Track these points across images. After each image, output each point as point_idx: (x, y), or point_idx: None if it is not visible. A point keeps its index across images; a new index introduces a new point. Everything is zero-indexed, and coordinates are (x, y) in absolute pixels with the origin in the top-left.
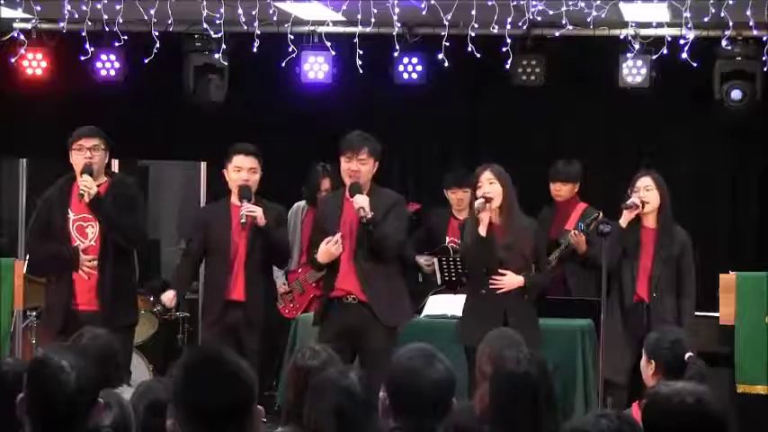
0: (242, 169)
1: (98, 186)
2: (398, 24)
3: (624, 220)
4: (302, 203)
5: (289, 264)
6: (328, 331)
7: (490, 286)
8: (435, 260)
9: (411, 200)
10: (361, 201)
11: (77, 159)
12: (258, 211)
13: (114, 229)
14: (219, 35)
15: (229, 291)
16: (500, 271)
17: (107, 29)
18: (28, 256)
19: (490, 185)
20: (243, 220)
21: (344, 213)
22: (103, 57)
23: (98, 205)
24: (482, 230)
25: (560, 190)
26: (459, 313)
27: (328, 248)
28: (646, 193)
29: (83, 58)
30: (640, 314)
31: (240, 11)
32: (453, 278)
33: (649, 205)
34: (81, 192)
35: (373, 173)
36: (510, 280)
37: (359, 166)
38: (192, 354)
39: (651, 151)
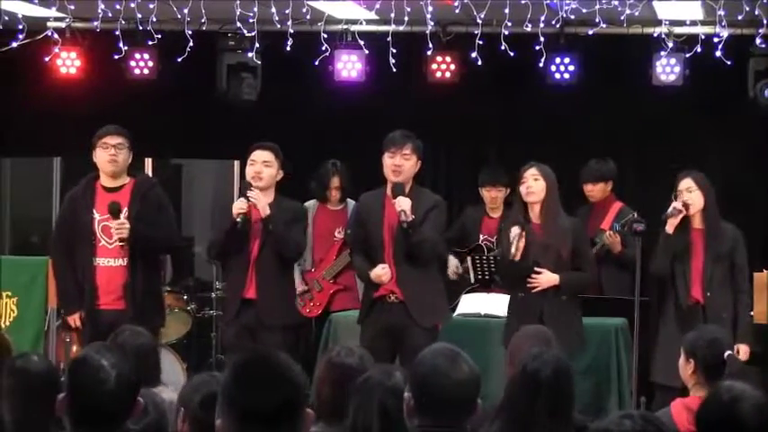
0: (255, 162)
1: (122, 187)
2: (432, 23)
3: (670, 227)
4: (312, 202)
5: (303, 264)
6: (369, 330)
7: (527, 285)
8: (469, 259)
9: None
10: (404, 204)
11: (102, 156)
12: (261, 201)
13: (148, 246)
14: (253, 34)
15: (245, 289)
16: (536, 269)
17: (141, 28)
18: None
19: (534, 182)
20: (239, 220)
21: (386, 213)
22: (137, 55)
23: (133, 236)
24: (517, 257)
25: (592, 190)
26: (493, 312)
27: (379, 276)
28: (688, 194)
29: (116, 56)
30: (696, 316)
31: (273, 9)
32: (487, 277)
33: (693, 206)
34: (118, 237)
35: (416, 171)
36: (545, 278)
37: (402, 161)
38: (242, 354)
39: (676, 168)
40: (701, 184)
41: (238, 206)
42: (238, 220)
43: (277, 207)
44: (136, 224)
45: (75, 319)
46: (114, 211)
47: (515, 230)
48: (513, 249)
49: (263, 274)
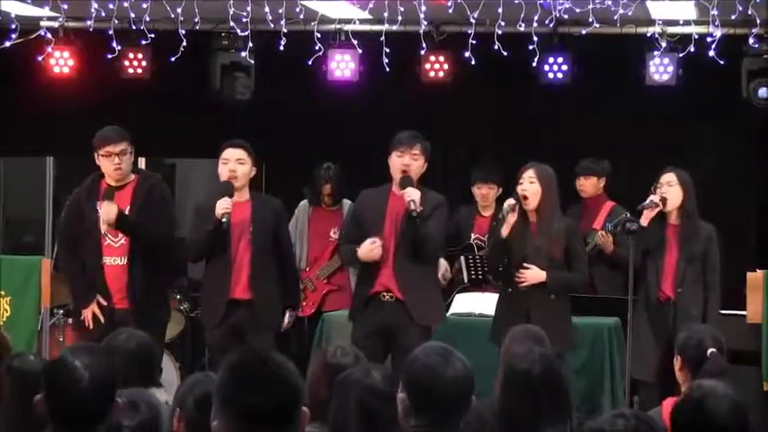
0: (229, 161)
1: (126, 185)
2: (425, 22)
3: (645, 219)
4: (305, 202)
5: (298, 263)
6: (362, 328)
7: (515, 279)
8: (462, 258)
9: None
10: (414, 194)
11: (107, 166)
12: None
13: (140, 238)
14: (246, 33)
15: (232, 290)
16: (524, 265)
17: (134, 27)
18: (54, 261)
19: (530, 184)
20: (224, 219)
21: (389, 208)
22: (130, 55)
23: (122, 224)
24: (504, 232)
25: (584, 185)
26: (486, 311)
27: (370, 250)
28: (668, 188)
29: (110, 56)
30: (666, 312)
31: (267, 9)
32: (480, 276)
33: (671, 202)
34: (103, 221)
35: (422, 171)
36: (532, 274)
37: (411, 161)
38: (237, 355)
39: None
40: (682, 181)
41: (223, 206)
42: (223, 220)
43: (256, 205)
44: (128, 220)
45: (94, 308)
46: (109, 196)
47: (509, 203)
48: (503, 224)
49: (257, 274)
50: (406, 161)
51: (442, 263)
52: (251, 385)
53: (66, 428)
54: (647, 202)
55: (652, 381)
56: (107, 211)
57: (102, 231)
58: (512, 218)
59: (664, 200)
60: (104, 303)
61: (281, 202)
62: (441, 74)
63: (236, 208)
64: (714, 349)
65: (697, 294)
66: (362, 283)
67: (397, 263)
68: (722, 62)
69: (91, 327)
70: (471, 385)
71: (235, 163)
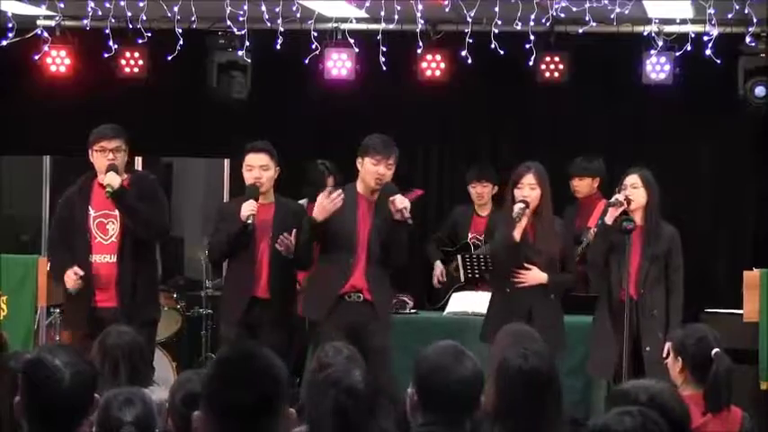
0: (253, 168)
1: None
2: (422, 21)
3: (610, 218)
4: (304, 202)
5: None
6: (333, 329)
7: (514, 280)
8: (459, 257)
9: (432, 196)
10: (405, 202)
11: (100, 161)
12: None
13: (136, 220)
14: (243, 32)
15: (254, 288)
16: (525, 265)
17: (131, 26)
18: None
19: (531, 190)
20: (249, 221)
21: (360, 211)
22: (127, 54)
23: (120, 197)
24: (517, 235)
25: (578, 185)
26: (482, 310)
27: (326, 204)
28: (633, 190)
29: (106, 55)
30: (628, 311)
31: (263, 8)
32: (477, 275)
33: (635, 203)
34: (107, 188)
35: None
36: (534, 275)
37: (386, 171)
38: (225, 349)
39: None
40: (646, 182)
41: (248, 208)
42: (248, 222)
43: (279, 208)
44: (127, 196)
45: (69, 274)
46: (112, 168)
47: (519, 206)
48: (515, 228)
49: (276, 274)
50: (382, 170)
51: (438, 265)
52: (229, 379)
53: (45, 427)
54: (613, 200)
55: (611, 379)
56: (111, 178)
57: (106, 195)
58: (524, 221)
59: (629, 200)
60: (81, 273)
61: (303, 205)
62: (437, 73)
63: (259, 210)
64: (718, 350)
65: (659, 295)
66: (329, 283)
67: (369, 265)
68: (719, 61)
69: (75, 285)
70: (481, 385)
71: (259, 170)
